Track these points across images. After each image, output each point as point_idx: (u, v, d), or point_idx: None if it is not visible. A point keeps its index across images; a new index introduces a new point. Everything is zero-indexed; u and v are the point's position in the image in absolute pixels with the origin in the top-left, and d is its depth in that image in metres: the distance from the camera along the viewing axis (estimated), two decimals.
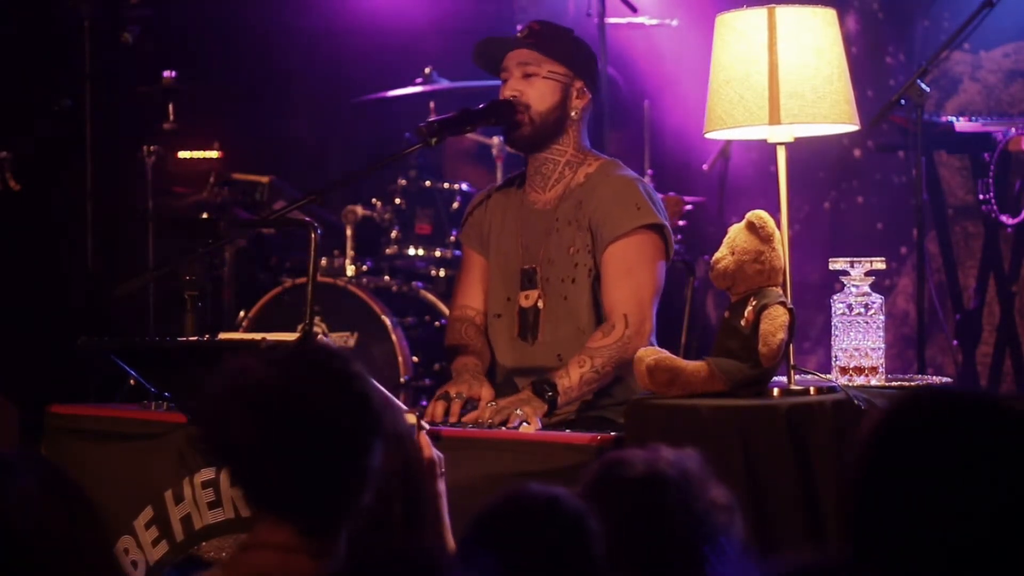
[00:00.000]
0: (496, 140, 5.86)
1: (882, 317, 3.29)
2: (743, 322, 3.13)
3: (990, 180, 5.24)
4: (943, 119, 5.35)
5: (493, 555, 1.87)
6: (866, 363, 3.26)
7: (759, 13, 3.26)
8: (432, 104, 5.95)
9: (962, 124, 5.30)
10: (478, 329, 3.78)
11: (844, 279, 3.30)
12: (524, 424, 3.31)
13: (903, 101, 4.55)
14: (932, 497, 1.73)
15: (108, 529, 2.00)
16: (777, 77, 3.22)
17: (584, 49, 3.78)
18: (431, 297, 5.65)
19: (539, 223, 3.72)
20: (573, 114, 3.70)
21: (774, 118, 3.22)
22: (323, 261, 5.72)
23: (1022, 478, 1.73)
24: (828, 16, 3.31)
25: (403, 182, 5.82)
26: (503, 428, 3.31)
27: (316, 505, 2.06)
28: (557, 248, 3.68)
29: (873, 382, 3.25)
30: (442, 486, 2.52)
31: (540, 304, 3.69)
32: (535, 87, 3.69)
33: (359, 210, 5.78)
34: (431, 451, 2.50)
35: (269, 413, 2.04)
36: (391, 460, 2.30)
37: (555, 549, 2.00)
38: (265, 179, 6.00)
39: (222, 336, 3.64)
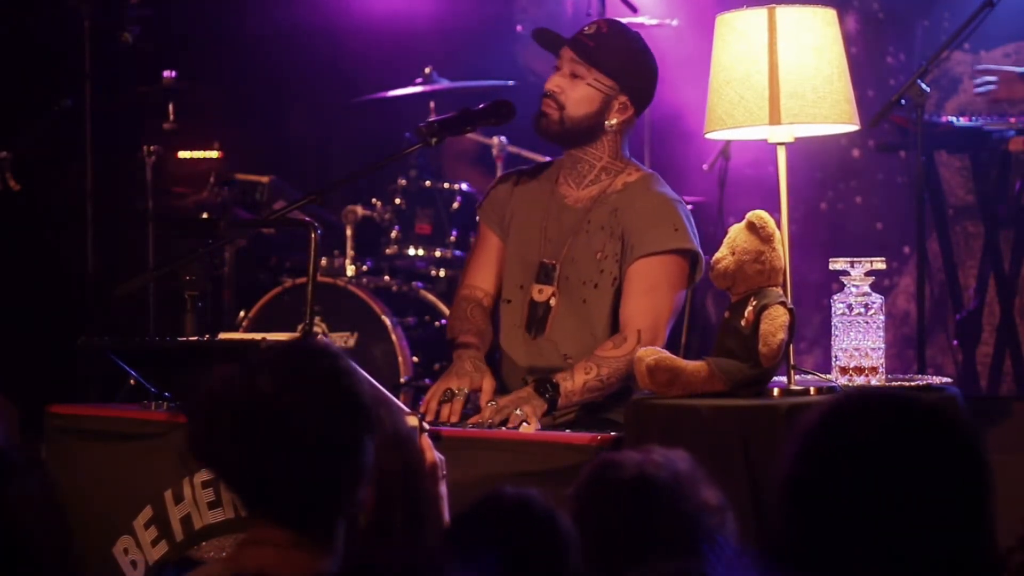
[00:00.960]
0: (496, 140, 5.86)
1: (882, 317, 3.29)
2: (743, 322, 3.13)
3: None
4: (943, 119, 5.35)
5: (469, 558, 1.88)
6: (866, 363, 3.26)
7: (759, 13, 3.26)
8: (432, 104, 5.95)
9: (962, 124, 5.31)
10: (484, 311, 3.76)
11: (844, 279, 3.30)
12: (524, 424, 3.31)
13: (903, 101, 4.54)
14: (864, 498, 1.75)
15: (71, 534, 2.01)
16: (777, 77, 3.22)
17: (641, 63, 3.70)
18: (431, 297, 5.65)
19: (568, 219, 3.70)
20: (608, 124, 3.67)
21: (774, 118, 3.22)
22: (323, 261, 5.72)
23: (955, 485, 1.76)
24: (828, 16, 3.30)
25: (403, 182, 5.82)
26: (503, 428, 3.31)
27: (309, 507, 2.06)
28: (584, 250, 3.66)
29: (873, 382, 3.25)
30: (443, 489, 2.52)
31: (552, 302, 3.68)
32: (577, 90, 3.65)
33: (359, 210, 5.78)
34: (433, 454, 2.50)
35: (259, 420, 2.04)
36: (392, 462, 2.30)
37: (526, 550, 2.00)
38: (265, 179, 6.01)
39: (222, 336, 3.64)
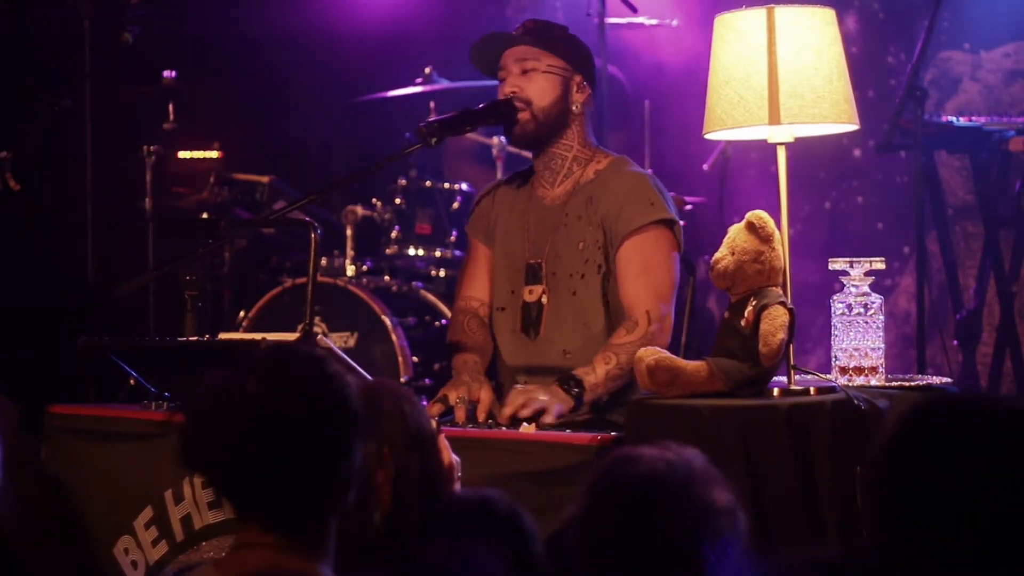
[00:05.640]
0: (496, 140, 5.86)
1: (882, 317, 3.29)
2: (743, 322, 3.13)
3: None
4: (943, 119, 5.35)
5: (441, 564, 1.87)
6: (866, 363, 3.26)
7: (759, 13, 3.26)
8: (432, 104, 5.95)
9: (962, 124, 5.31)
10: (481, 322, 3.78)
11: (844, 279, 3.30)
12: (524, 424, 3.31)
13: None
14: (956, 500, 1.73)
15: (89, 533, 2.01)
16: (777, 77, 3.22)
17: (580, 44, 3.77)
18: (431, 297, 5.65)
19: (547, 218, 3.72)
20: (574, 108, 3.70)
21: (774, 118, 3.22)
22: (323, 261, 5.72)
23: None
24: (827, 16, 3.31)
25: (403, 182, 5.82)
26: (503, 428, 3.31)
27: (299, 510, 2.06)
28: (565, 243, 3.67)
29: (873, 382, 3.25)
30: (457, 489, 2.52)
31: (544, 299, 3.69)
32: (535, 82, 3.68)
33: (359, 210, 5.78)
34: (449, 455, 2.50)
35: (251, 422, 2.04)
36: (411, 462, 2.31)
37: (489, 550, 2.00)
38: (265, 179, 6.01)
39: (222, 336, 3.64)
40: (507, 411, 3.35)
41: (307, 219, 3.66)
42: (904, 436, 1.81)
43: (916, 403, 1.85)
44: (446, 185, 5.85)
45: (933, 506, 1.75)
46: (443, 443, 2.49)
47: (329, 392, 2.07)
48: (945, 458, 1.76)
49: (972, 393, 1.91)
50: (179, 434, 2.10)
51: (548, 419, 3.32)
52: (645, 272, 3.56)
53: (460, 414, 3.45)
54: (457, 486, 2.52)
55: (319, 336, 3.39)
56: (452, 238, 5.77)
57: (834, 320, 3.30)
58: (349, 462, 2.08)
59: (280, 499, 2.05)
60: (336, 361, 2.12)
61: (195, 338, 3.44)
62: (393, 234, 5.78)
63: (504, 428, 3.31)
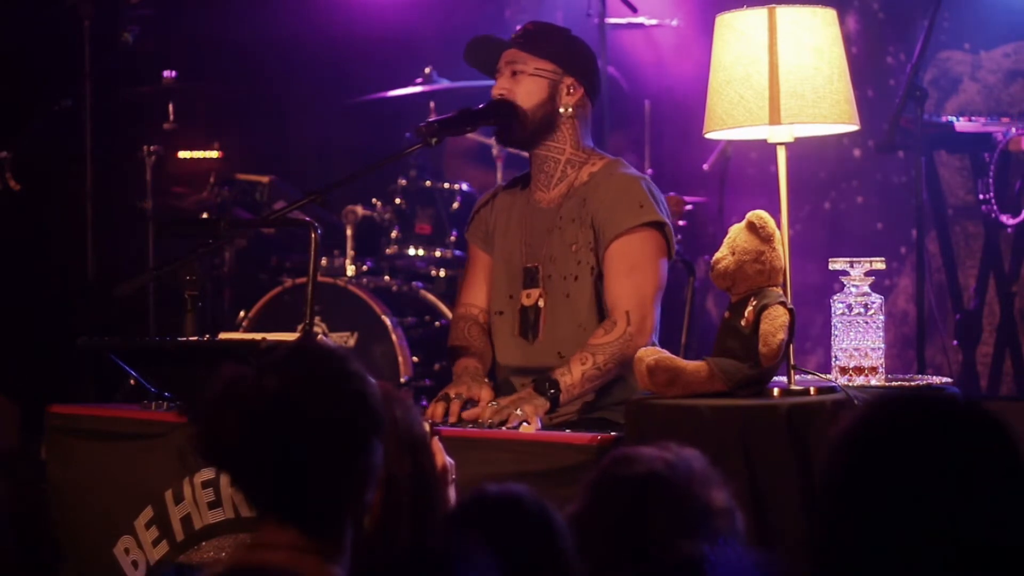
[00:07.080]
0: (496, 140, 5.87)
1: (882, 317, 3.29)
2: (743, 322, 3.13)
3: (990, 180, 5.24)
4: (943, 119, 5.35)
5: (464, 561, 1.87)
6: (866, 363, 3.26)
7: (759, 13, 3.26)
8: (432, 104, 5.95)
9: (962, 124, 5.31)
10: (481, 328, 3.78)
11: (844, 279, 3.30)
12: (524, 424, 3.31)
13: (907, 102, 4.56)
14: (910, 503, 1.75)
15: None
16: (777, 77, 3.22)
17: (577, 46, 3.77)
18: (431, 297, 5.65)
19: (542, 221, 3.72)
20: (563, 111, 3.69)
21: (774, 118, 3.22)
22: (323, 261, 5.72)
23: (1000, 483, 1.75)
24: (828, 16, 3.30)
25: (403, 182, 5.82)
26: (503, 428, 3.31)
27: (318, 508, 2.06)
28: (560, 246, 3.67)
29: (873, 382, 3.25)
30: (452, 492, 2.52)
31: (541, 303, 3.69)
32: (521, 85, 3.69)
33: (359, 210, 5.78)
34: (443, 458, 2.50)
35: (267, 419, 2.03)
36: (404, 466, 2.30)
37: (521, 547, 2.00)
38: (265, 179, 6.01)
39: (222, 336, 3.64)
40: (478, 419, 3.35)
41: (307, 219, 3.66)
42: (866, 432, 1.82)
43: (879, 399, 1.86)
44: (446, 185, 5.85)
45: (890, 511, 1.76)
46: (436, 446, 2.48)
47: (348, 391, 2.07)
48: (903, 462, 1.78)
49: (930, 393, 1.95)
50: (193, 430, 2.09)
51: (534, 425, 3.32)
52: (630, 273, 3.56)
53: (455, 408, 3.44)
54: (451, 489, 2.52)
55: (319, 336, 3.39)
56: (452, 238, 5.77)
57: (834, 320, 3.30)
58: (368, 461, 2.08)
59: (295, 496, 2.05)
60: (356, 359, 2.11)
61: (195, 338, 3.44)
62: (393, 234, 5.79)
63: (504, 428, 3.31)
